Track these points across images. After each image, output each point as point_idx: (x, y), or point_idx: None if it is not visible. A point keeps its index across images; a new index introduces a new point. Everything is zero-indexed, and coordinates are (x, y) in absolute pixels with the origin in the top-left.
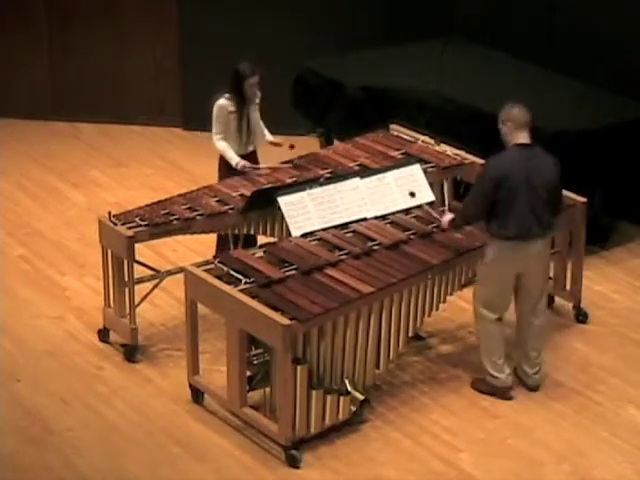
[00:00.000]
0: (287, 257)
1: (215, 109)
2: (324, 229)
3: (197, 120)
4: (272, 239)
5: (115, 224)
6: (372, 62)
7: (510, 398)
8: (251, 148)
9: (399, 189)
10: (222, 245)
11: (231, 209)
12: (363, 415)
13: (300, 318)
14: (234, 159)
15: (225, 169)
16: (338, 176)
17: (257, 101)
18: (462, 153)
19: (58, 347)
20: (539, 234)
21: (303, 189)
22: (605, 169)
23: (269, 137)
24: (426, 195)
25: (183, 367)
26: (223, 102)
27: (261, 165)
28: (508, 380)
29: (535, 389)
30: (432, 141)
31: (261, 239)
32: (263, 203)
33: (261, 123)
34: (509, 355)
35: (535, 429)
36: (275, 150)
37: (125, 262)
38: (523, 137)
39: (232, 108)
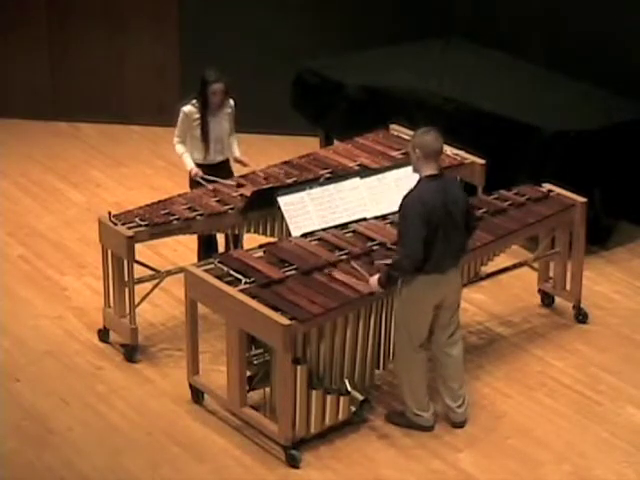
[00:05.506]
0: (287, 257)
1: (180, 114)
2: (324, 229)
3: None
4: (272, 239)
5: (115, 224)
6: (372, 62)
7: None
8: (220, 158)
9: (399, 189)
10: (205, 250)
11: (231, 209)
12: (363, 415)
13: (300, 318)
14: (189, 165)
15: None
16: (338, 176)
17: (228, 111)
18: (462, 153)
19: (58, 347)
20: (453, 264)
21: (303, 189)
22: (605, 169)
23: (236, 154)
24: None
25: (183, 367)
26: (188, 108)
27: (220, 179)
28: (432, 419)
29: (461, 425)
30: None
31: (261, 239)
32: (263, 203)
33: (234, 136)
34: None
35: (535, 429)
36: (272, 151)
37: (125, 262)
38: (432, 168)
39: (197, 115)
